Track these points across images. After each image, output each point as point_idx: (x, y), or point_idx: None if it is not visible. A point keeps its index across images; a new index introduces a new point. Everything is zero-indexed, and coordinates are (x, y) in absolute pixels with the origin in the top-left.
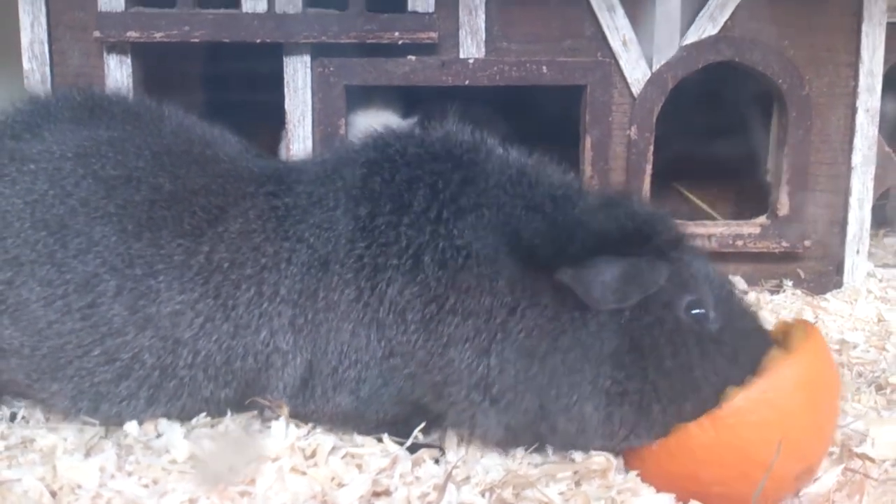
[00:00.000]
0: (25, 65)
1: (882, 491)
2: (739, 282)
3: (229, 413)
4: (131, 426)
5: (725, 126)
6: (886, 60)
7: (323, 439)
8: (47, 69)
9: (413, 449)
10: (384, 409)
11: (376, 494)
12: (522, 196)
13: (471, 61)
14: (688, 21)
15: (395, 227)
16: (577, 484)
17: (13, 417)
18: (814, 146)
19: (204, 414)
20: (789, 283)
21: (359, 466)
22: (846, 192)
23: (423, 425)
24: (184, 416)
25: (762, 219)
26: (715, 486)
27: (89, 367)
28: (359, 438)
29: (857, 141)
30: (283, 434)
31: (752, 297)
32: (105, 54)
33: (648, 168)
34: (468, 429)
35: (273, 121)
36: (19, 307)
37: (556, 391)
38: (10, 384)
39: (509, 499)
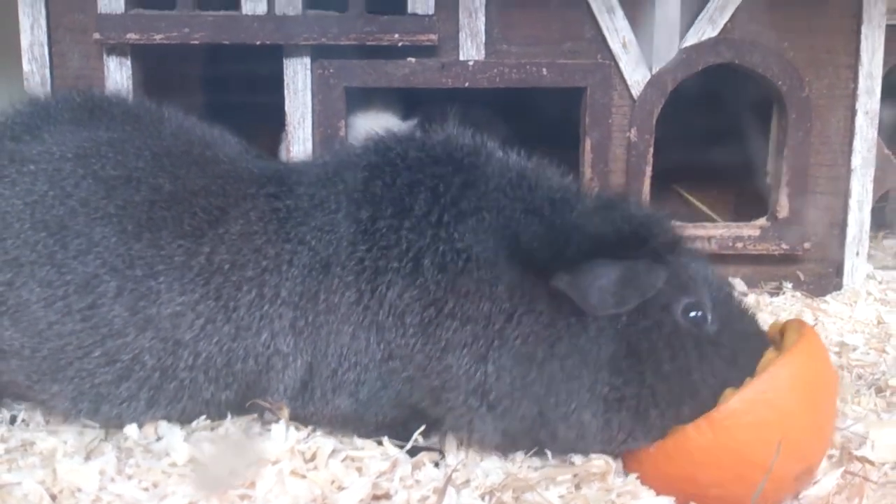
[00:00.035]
0: (25, 67)
1: (882, 494)
2: (739, 284)
3: (229, 416)
4: (131, 429)
5: (725, 128)
6: (886, 62)
7: (323, 442)
8: (47, 71)
9: (413, 452)
10: (383, 411)
11: (376, 498)
12: (522, 199)
13: (471, 63)
14: (687, 23)
15: (396, 230)
16: (577, 487)
17: (13, 420)
18: (813, 148)
19: (204, 417)
20: (789, 285)
21: (359, 470)
22: (846, 195)
23: (422, 428)
24: (184, 419)
25: (762, 221)
26: (713, 489)
27: (90, 369)
28: (359, 441)
29: (857, 143)
30: (283, 437)
31: (751, 299)
32: (105, 56)
33: (648, 170)
34: (466, 433)
35: (273, 122)
36: (19, 308)
37: (555, 399)
38: (11, 385)
39: (509, 502)
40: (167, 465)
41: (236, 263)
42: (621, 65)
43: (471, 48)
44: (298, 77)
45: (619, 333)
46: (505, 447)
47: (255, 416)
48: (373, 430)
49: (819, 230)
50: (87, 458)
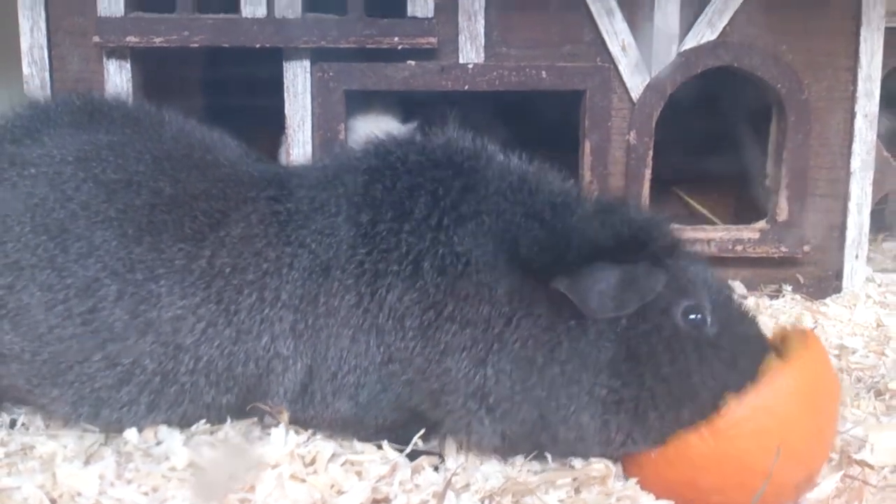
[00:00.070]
0: (25, 70)
1: (881, 498)
2: (739, 287)
3: (229, 420)
4: (131, 433)
5: (724, 131)
6: (885, 65)
7: (322, 446)
8: (47, 74)
9: (412, 456)
10: (383, 414)
11: (376, 502)
12: (522, 203)
13: (470, 66)
14: (686, 27)
15: (395, 233)
16: (577, 491)
17: (13, 424)
18: (812, 151)
19: (203, 421)
20: (788, 287)
21: (358, 474)
22: (845, 197)
23: (422, 432)
24: (184, 423)
25: (761, 224)
26: (714, 495)
27: (90, 373)
28: (358, 445)
29: (856, 146)
30: (282, 441)
31: (751, 302)
32: (104, 59)
33: (647, 173)
34: (465, 436)
35: (273, 125)
36: (20, 312)
37: (555, 402)
38: (11, 390)
39: None
40: (167, 470)
41: (237, 267)
42: (620, 68)
43: (470, 51)
44: (298, 80)
45: (618, 336)
46: (504, 450)
47: (255, 419)
48: (372, 434)
49: (818, 233)
50: (87, 462)
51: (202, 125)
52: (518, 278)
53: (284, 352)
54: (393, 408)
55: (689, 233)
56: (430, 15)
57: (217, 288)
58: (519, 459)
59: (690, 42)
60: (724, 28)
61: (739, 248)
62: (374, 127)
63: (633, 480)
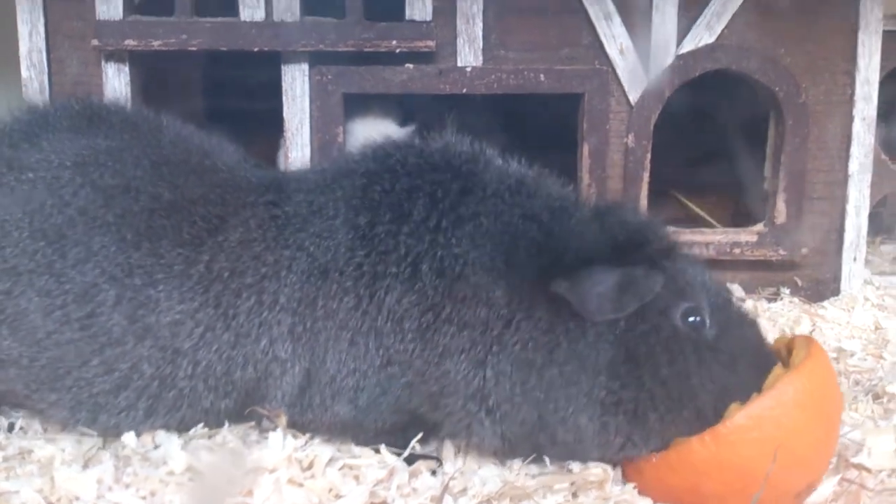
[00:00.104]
0: (23, 73)
1: (878, 501)
2: (737, 289)
3: (227, 424)
4: (129, 437)
5: (722, 135)
6: (883, 68)
7: (320, 450)
8: (45, 78)
9: (410, 460)
10: (382, 417)
11: None
12: (520, 206)
13: (468, 69)
14: (684, 30)
15: (394, 235)
16: (574, 495)
17: (11, 428)
18: (811, 154)
19: (202, 425)
20: (786, 290)
21: (356, 478)
22: (843, 200)
23: (419, 436)
24: (183, 428)
25: (759, 227)
26: (715, 502)
27: (88, 378)
28: (356, 449)
29: (854, 149)
30: (280, 445)
31: (749, 304)
32: (103, 63)
33: (646, 176)
34: (464, 438)
35: (271, 129)
36: (18, 317)
37: (554, 404)
38: (9, 394)
39: None
40: (165, 474)
41: (235, 271)
42: (619, 71)
43: (468, 54)
44: (296, 83)
45: (617, 338)
46: (503, 452)
47: (253, 424)
48: (372, 437)
49: (816, 236)
50: (85, 466)
51: (200, 130)
52: (516, 280)
53: (283, 355)
54: (392, 411)
55: (687, 236)
56: (429, 18)
57: (215, 292)
58: (516, 463)
59: (688, 45)
60: (722, 31)
61: (737, 251)
62: (372, 130)
63: (630, 485)
